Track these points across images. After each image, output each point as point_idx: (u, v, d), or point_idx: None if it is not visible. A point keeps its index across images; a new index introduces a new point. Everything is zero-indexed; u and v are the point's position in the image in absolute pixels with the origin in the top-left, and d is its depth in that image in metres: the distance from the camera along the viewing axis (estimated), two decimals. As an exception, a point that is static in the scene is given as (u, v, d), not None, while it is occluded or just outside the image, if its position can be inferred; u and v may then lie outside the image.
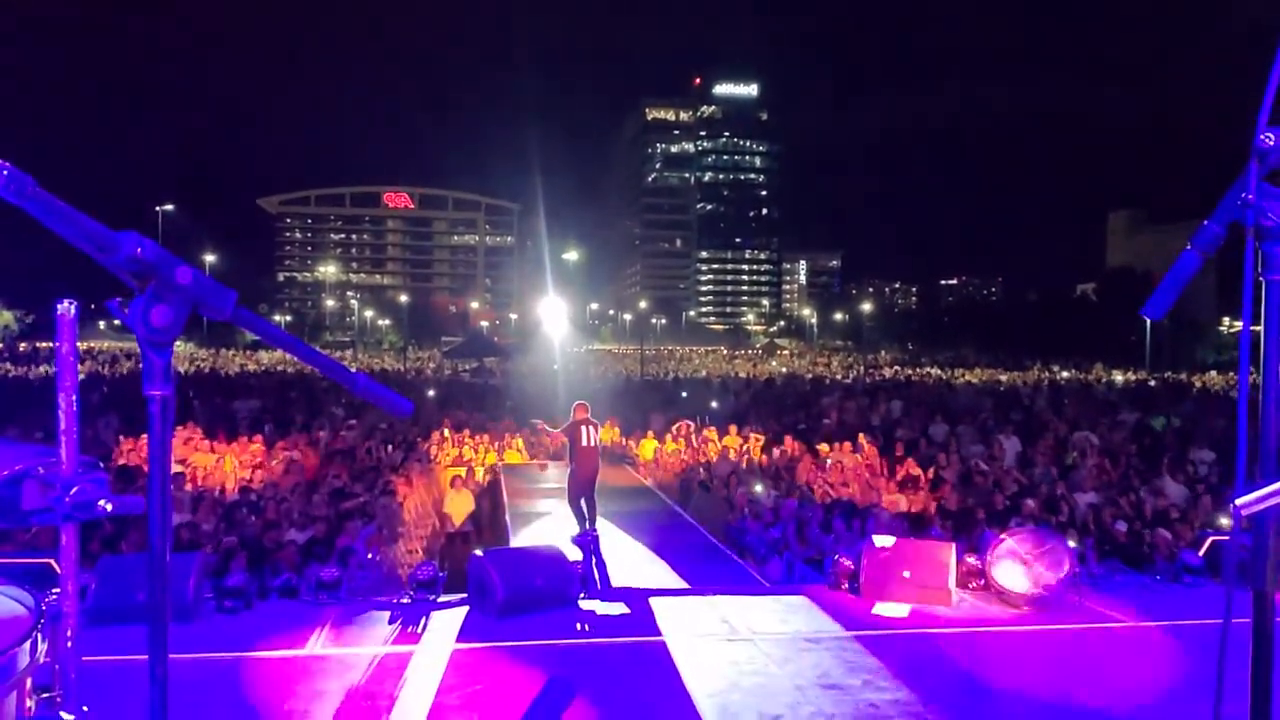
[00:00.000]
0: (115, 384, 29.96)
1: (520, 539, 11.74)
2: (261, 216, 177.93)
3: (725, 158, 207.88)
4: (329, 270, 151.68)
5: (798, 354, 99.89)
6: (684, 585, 9.45)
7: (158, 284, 1.40)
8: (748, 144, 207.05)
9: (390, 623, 7.30)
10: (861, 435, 17.03)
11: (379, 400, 1.63)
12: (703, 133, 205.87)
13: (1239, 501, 1.62)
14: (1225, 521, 10.49)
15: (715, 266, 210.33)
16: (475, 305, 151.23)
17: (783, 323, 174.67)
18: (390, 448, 16.70)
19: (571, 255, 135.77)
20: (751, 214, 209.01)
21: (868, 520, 11.41)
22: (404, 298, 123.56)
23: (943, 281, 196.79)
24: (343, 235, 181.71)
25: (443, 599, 7.91)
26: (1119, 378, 50.76)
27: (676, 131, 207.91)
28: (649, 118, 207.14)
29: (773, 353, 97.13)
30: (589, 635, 7.19)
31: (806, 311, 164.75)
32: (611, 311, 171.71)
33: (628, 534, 11.62)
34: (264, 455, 15.61)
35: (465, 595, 7.90)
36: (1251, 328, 1.68)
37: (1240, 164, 1.65)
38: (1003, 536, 8.58)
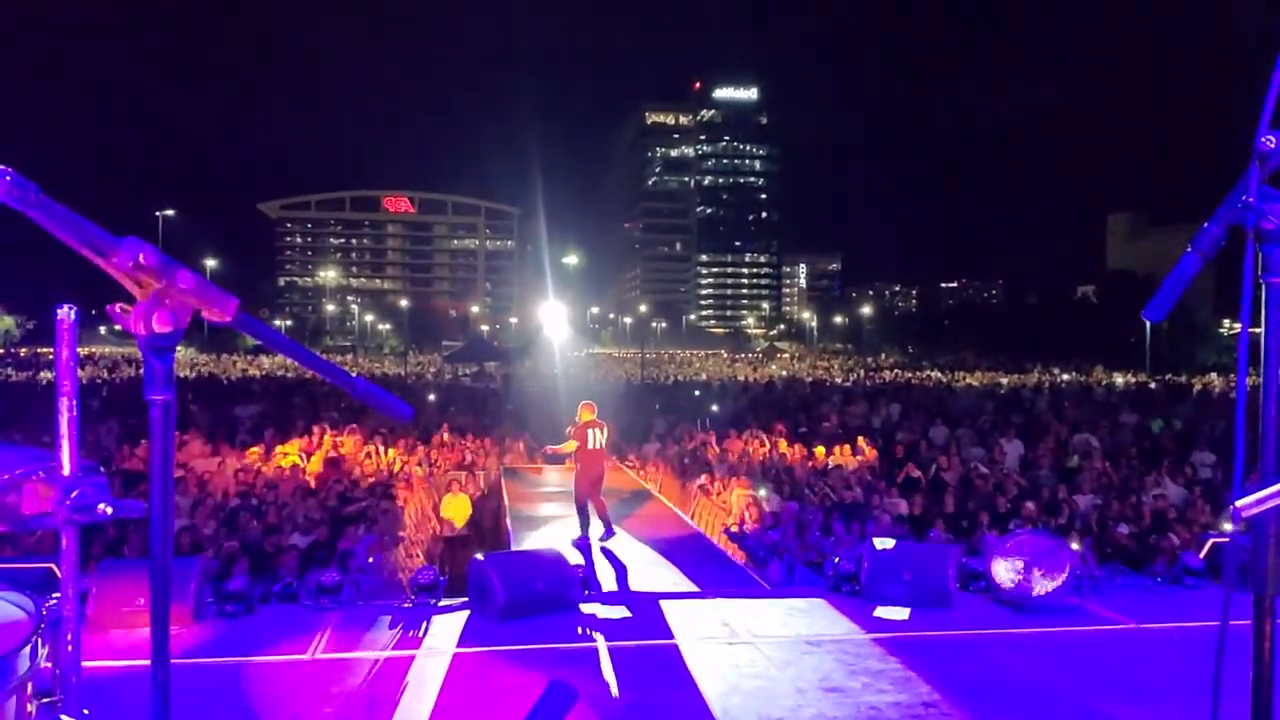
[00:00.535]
0: (116, 389, 29.98)
1: (521, 543, 11.73)
2: (262, 221, 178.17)
3: (725, 161, 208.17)
4: (329, 275, 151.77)
5: (798, 357, 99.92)
6: (685, 588, 9.44)
7: (159, 289, 1.40)
8: (747, 147, 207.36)
9: (391, 627, 7.29)
10: (861, 438, 17.04)
11: (380, 404, 1.64)
12: (702, 136, 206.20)
13: (1239, 503, 1.62)
14: (1226, 524, 10.49)
15: (715, 270, 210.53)
16: (475, 310, 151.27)
17: (783, 326, 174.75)
18: (391, 452, 16.70)
19: (571, 259, 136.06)
20: (751, 217, 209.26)
21: (868, 523, 11.41)
22: (404, 302, 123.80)
23: (943, 284, 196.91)
24: (343, 240, 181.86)
25: (443, 603, 7.90)
26: (1119, 380, 50.77)
27: (676, 135, 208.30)
28: (649, 121, 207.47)
29: (773, 356, 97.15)
30: (590, 639, 7.18)
31: (806, 315, 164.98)
32: (612, 315, 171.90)
33: (628, 537, 11.62)
34: (265, 459, 15.61)
35: (466, 599, 7.89)
36: (1251, 330, 1.68)
37: (1241, 166, 1.65)
38: (1003, 539, 8.57)
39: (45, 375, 39.99)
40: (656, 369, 61.36)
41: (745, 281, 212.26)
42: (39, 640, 1.79)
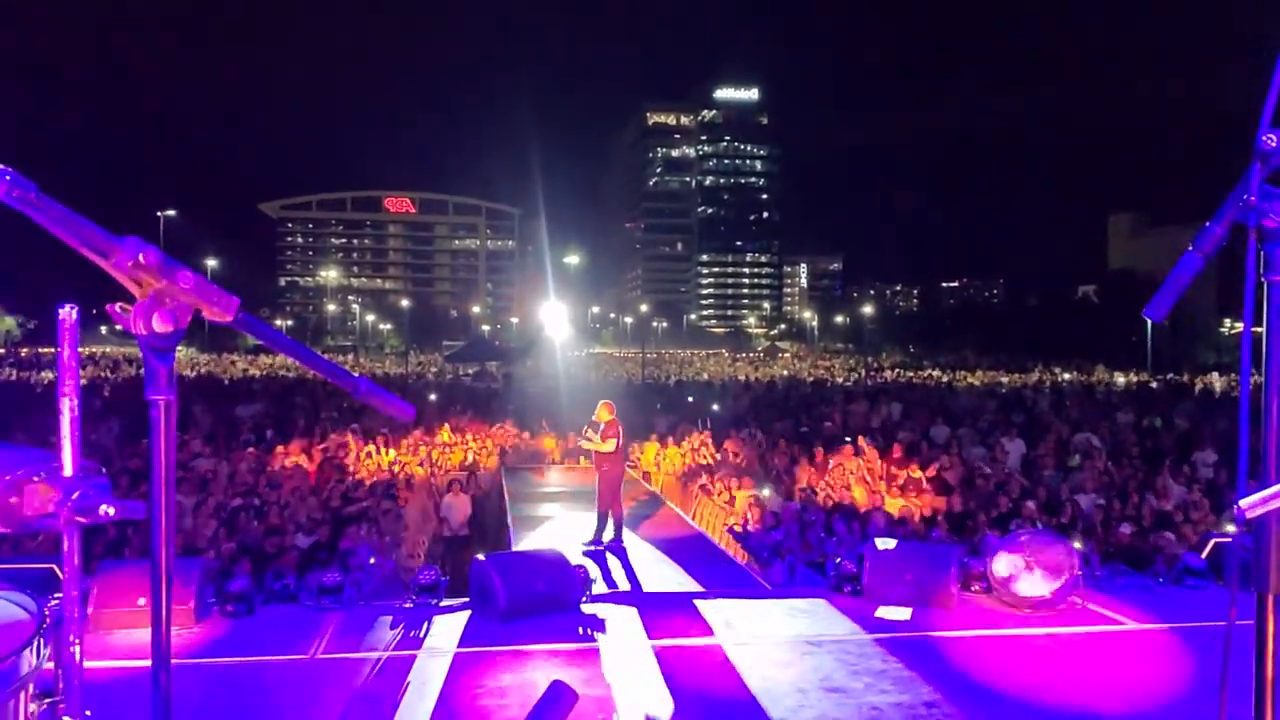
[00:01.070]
0: (117, 389, 29.98)
1: (522, 543, 11.73)
2: (263, 221, 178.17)
3: (726, 161, 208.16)
4: (330, 275, 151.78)
5: (799, 357, 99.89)
6: (686, 588, 9.44)
7: (160, 289, 1.40)
8: (748, 147, 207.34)
9: (392, 627, 7.29)
10: (863, 438, 17.01)
11: (381, 404, 1.64)
12: (703, 136, 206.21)
13: (1242, 503, 1.62)
14: (1229, 524, 10.48)
15: (716, 270, 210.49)
16: (476, 310, 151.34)
17: (784, 326, 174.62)
18: (392, 452, 16.70)
19: (572, 259, 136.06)
20: (752, 217, 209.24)
21: (869, 523, 11.40)
22: (405, 302, 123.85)
23: (944, 284, 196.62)
24: (344, 240, 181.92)
25: (445, 603, 7.90)
26: (1120, 379, 50.74)
27: (677, 135, 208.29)
28: (650, 121, 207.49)
29: (774, 356, 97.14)
30: (591, 639, 7.18)
31: (807, 314, 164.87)
32: (613, 315, 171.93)
33: (630, 537, 11.62)
34: (266, 460, 15.60)
35: (467, 599, 7.89)
36: (1253, 329, 1.68)
37: (1242, 166, 1.65)
38: (1005, 539, 8.57)
39: (46, 375, 40.02)
40: (657, 369, 61.35)
41: (746, 281, 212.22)
42: (41, 641, 1.79)
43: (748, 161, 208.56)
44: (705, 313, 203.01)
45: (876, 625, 7.54)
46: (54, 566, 7.19)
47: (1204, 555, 9.19)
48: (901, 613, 7.85)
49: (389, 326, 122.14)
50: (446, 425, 19.21)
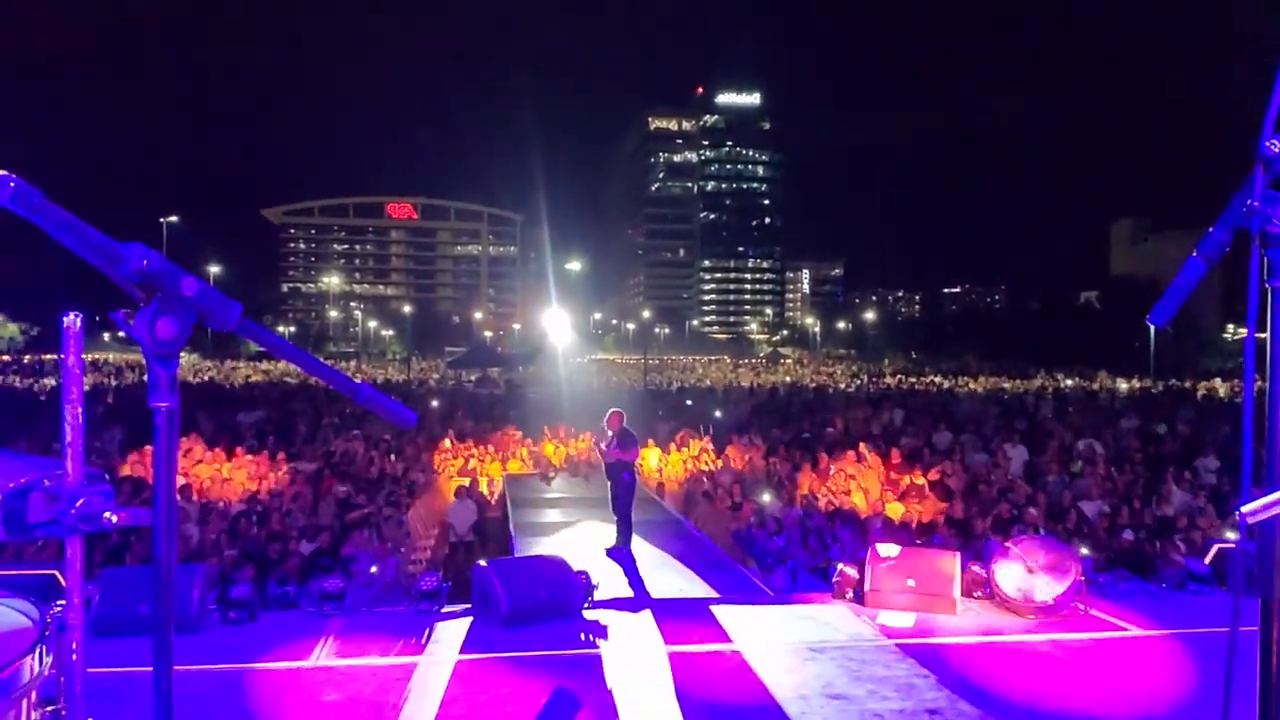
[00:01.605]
0: (120, 396, 29.99)
1: (525, 549, 11.72)
2: (265, 227, 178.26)
3: (728, 167, 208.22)
4: (333, 281, 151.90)
5: (801, 363, 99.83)
6: (689, 594, 9.43)
7: (163, 296, 1.40)
8: (750, 153, 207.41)
9: (394, 633, 7.28)
10: (865, 444, 17.00)
11: (383, 411, 1.63)
12: (705, 142, 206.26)
13: (1245, 509, 1.62)
14: (1232, 530, 10.46)
15: (718, 275, 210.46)
16: (478, 315, 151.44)
17: (786, 332, 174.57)
18: (394, 458, 16.70)
19: (574, 265, 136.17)
20: (754, 223, 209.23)
21: (872, 529, 11.39)
22: (407, 308, 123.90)
23: (946, 290, 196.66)
24: (346, 246, 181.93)
25: (447, 609, 7.90)
26: (1123, 386, 50.66)
27: (679, 141, 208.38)
28: (652, 127, 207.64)
29: (777, 362, 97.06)
30: (593, 645, 7.17)
31: (810, 320, 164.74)
32: (615, 321, 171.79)
33: (633, 543, 11.60)
34: (268, 466, 15.61)
35: (469, 606, 7.89)
36: (1256, 335, 1.68)
37: (1245, 171, 1.65)
38: (1007, 545, 8.55)
39: (49, 382, 40.05)
40: (659, 374, 61.34)
41: (748, 287, 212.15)
42: (43, 648, 1.78)
43: (750, 167, 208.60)
44: (707, 319, 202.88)
45: (879, 631, 7.53)
46: (56, 573, 7.19)
47: (1207, 561, 9.18)
48: (904, 618, 7.84)
49: (391, 333, 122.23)
50: (449, 436, 19.20)
